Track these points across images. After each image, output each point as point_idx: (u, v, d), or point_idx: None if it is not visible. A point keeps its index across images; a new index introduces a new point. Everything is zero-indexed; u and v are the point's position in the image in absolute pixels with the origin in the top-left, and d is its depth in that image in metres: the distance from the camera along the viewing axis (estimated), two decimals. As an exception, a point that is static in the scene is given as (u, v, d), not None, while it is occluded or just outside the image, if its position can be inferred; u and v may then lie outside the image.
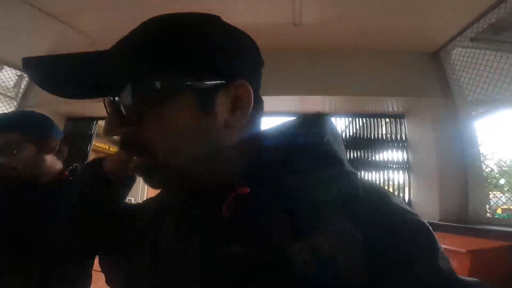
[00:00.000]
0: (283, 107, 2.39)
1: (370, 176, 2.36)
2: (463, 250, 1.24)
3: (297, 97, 2.23)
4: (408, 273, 0.26)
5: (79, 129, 2.68)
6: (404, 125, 2.43)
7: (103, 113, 0.33)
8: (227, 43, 0.33)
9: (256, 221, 0.29)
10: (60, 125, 2.41)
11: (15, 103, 2.77)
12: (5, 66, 2.90)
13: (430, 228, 0.30)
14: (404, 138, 2.41)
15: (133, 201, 2.34)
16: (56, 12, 1.91)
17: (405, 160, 2.35)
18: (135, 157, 0.35)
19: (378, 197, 0.31)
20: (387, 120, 2.48)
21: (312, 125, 0.36)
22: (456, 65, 2.04)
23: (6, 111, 2.63)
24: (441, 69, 2.14)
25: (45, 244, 0.75)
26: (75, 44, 2.16)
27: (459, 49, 2.03)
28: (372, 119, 2.48)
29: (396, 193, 2.29)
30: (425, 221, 0.30)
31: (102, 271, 0.45)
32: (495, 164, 1.90)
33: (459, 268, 1.21)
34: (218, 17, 0.35)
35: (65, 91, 0.34)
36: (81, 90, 0.34)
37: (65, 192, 0.76)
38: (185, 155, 0.32)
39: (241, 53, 0.34)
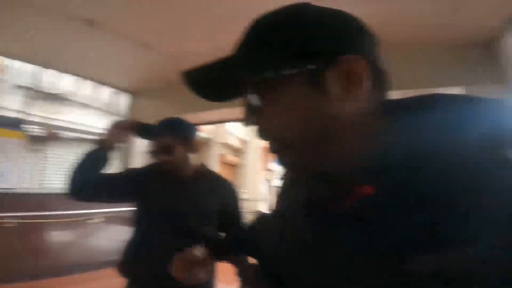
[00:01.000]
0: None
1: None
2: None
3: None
4: None
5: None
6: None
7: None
8: (324, 24, 0.33)
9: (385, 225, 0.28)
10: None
11: (112, 117, 3.39)
12: (104, 86, 3.58)
13: None
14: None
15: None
16: (140, 39, 2.35)
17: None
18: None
19: None
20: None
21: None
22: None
23: (106, 124, 3.24)
24: (495, 58, 2.10)
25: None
26: (156, 62, 2.59)
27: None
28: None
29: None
30: None
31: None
32: None
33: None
34: (309, 4, 0.36)
35: (215, 96, 0.39)
36: (224, 93, 0.38)
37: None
38: (304, 133, 0.33)
39: (340, 29, 0.33)
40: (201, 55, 1.58)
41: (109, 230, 3.23)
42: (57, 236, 2.88)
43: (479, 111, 0.30)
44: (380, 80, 0.34)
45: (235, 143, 7.65)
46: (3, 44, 2.48)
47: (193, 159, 1.14)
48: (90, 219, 3.06)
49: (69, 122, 3.20)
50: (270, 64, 0.33)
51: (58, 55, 2.68)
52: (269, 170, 8.96)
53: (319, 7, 0.35)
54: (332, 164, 0.34)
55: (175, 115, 1.15)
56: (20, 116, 2.76)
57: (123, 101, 3.67)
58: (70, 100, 3.22)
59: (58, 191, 2.93)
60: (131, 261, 1.08)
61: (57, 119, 3.08)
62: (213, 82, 0.37)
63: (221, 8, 1.91)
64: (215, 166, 6.20)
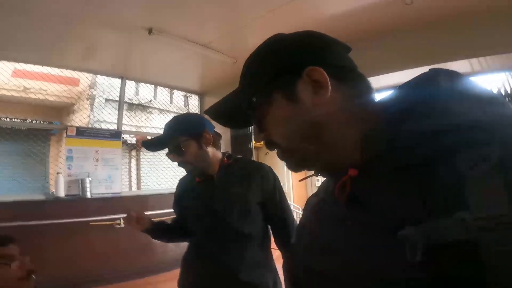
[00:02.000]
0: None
1: None
2: None
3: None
4: None
5: (242, 131, 3.21)
6: None
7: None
8: (290, 46, 0.41)
9: (372, 201, 0.33)
10: (226, 129, 2.93)
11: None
12: (175, 91, 3.76)
13: None
14: None
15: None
16: (204, 42, 2.39)
17: None
18: None
19: None
20: None
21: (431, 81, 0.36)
22: None
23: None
24: None
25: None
26: (221, 63, 2.67)
27: None
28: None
29: None
30: None
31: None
32: None
33: None
34: (279, 34, 0.44)
35: (230, 124, 0.53)
36: (236, 122, 0.51)
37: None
38: (297, 138, 0.39)
39: (304, 48, 0.40)
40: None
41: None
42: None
43: (447, 90, 0.34)
44: (348, 79, 0.39)
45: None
46: (92, 63, 2.72)
47: (214, 152, 1.03)
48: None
49: (153, 127, 3.41)
50: (254, 92, 0.41)
51: (136, 67, 2.88)
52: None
53: (288, 34, 0.43)
54: (328, 159, 0.39)
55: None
56: (116, 127, 3.01)
57: (195, 102, 3.82)
58: (151, 107, 3.43)
59: (154, 192, 3.14)
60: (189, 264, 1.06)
61: (143, 126, 3.29)
62: (227, 115, 0.49)
63: (282, 9, 1.89)
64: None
